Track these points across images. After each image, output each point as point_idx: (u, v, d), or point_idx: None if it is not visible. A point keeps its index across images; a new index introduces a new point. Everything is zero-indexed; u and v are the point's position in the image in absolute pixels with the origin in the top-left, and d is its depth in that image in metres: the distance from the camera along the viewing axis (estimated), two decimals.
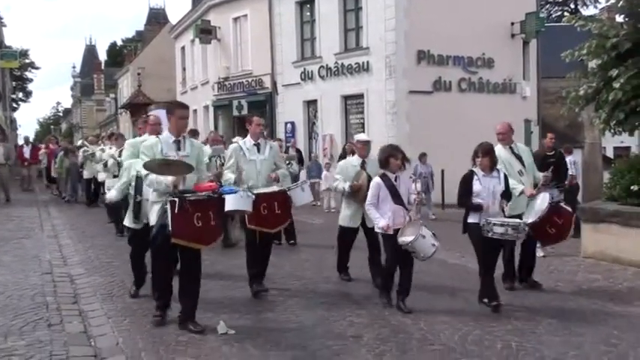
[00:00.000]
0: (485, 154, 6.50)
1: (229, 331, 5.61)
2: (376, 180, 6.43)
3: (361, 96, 19.55)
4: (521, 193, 7.03)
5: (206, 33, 25.57)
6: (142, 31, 50.34)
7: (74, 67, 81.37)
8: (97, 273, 8.34)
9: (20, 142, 30.18)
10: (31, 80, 57.84)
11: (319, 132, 21.05)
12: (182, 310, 5.75)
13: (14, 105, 54.32)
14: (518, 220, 6.48)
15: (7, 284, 7.55)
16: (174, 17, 66.64)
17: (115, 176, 12.74)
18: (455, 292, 7.24)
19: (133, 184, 6.52)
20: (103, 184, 16.31)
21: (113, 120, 53.49)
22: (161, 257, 5.76)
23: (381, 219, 6.31)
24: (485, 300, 6.44)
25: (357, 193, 7.36)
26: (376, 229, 6.54)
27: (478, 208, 6.38)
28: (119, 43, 73.54)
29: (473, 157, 6.62)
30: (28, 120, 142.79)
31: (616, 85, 9.81)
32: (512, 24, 20.47)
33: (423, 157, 15.56)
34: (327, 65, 20.47)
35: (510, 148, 7.45)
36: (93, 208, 16.39)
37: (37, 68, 57.77)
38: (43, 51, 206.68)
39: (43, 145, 23.76)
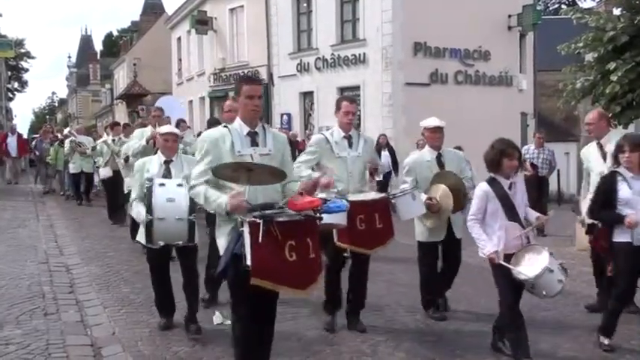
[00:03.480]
0: (636, 147, 4.94)
1: (225, 321, 5.62)
2: (483, 188, 4.70)
3: (357, 88, 19.51)
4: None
5: (202, 24, 25.47)
6: (138, 21, 50.03)
7: (70, 57, 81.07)
8: (93, 263, 8.35)
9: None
10: (26, 70, 57.60)
11: (315, 124, 21.01)
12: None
13: (10, 95, 54.09)
14: None
15: (3, 274, 7.56)
16: (170, 7, 66.45)
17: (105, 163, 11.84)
18: (452, 286, 7.25)
19: (142, 194, 5.20)
20: (92, 179, 15.39)
21: (109, 111, 53.27)
22: (241, 309, 3.91)
23: (488, 243, 4.59)
24: (606, 343, 5.07)
25: (434, 213, 5.69)
26: (480, 253, 4.75)
27: (620, 220, 4.86)
28: (115, 33, 73.24)
29: (615, 152, 5.12)
30: (23, 110, 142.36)
31: (613, 78, 9.85)
32: (509, 16, 20.43)
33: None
34: (323, 57, 20.41)
35: (599, 144, 6.02)
36: (86, 206, 15.10)
37: (32, 58, 57.49)
38: (39, 41, 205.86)
39: (37, 136, 22.84)
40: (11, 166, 20.51)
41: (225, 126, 4.09)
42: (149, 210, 4.89)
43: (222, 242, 3.97)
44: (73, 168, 15.06)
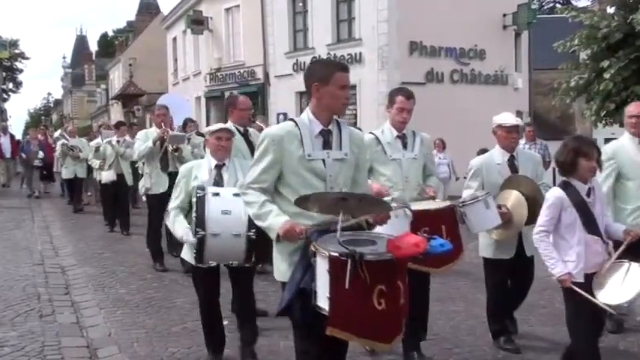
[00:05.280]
0: None
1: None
2: (556, 194, 3.92)
3: (353, 87, 19.48)
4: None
5: (198, 23, 25.45)
6: (134, 21, 49.98)
7: (65, 58, 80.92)
8: (89, 264, 8.33)
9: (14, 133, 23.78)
10: (21, 71, 57.38)
11: None
12: None
13: (4, 96, 53.90)
14: None
15: None
16: (165, 7, 66.38)
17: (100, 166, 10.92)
18: (447, 282, 7.26)
19: (194, 200, 4.31)
20: (82, 184, 13.91)
21: (104, 111, 53.19)
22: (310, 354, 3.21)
23: (559, 262, 3.84)
24: None
25: (504, 224, 4.76)
26: (554, 275, 3.89)
27: None
28: (110, 33, 73.15)
29: None
30: (18, 111, 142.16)
31: (606, 76, 9.90)
32: (504, 15, 20.47)
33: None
34: (319, 56, 20.33)
35: None
36: (79, 213, 13.73)
37: (27, 58, 57.26)
38: (34, 41, 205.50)
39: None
40: (3, 168, 19.32)
41: (292, 120, 3.31)
42: (201, 224, 4.09)
43: (281, 265, 3.26)
44: (65, 173, 13.90)
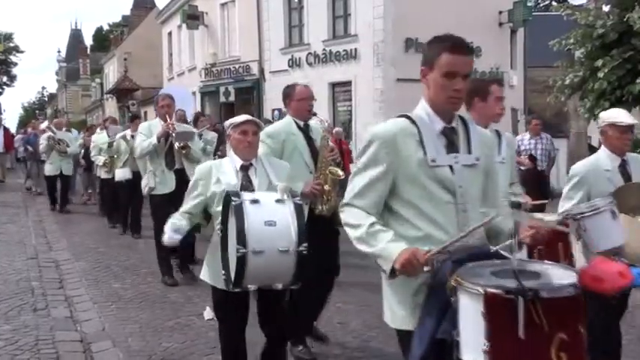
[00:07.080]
0: None
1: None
2: None
3: (349, 83, 19.53)
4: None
5: (193, 18, 25.40)
6: (129, 15, 49.83)
7: (59, 52, 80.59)
8: (83, 258, 8.32)
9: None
10: (15, 64, 57.08)
11: None
12: None
13: None
14: None
15: None
16: (161, 2, 66.07)
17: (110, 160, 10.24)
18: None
19: (218, 210, 3.54)
20: (68, 182, 13.16)
21: (99, 105, 53.07)
22: None
23: None
24: None
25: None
26: None
27: None
28: (105, 27, 72.91)
29: None
30: (13, 104, 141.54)
31: (601, 74, 9.92)
32: (500, 12, 20.51)
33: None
34: (315, 52, 20.39)
35: None
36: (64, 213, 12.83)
37: (21, 52, 56.99)
38: (29, 35, 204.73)
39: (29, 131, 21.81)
40: None
41: (404, 115, 2.54)
42: (241, 240, 3.18)
43: (400, 309, 2.52)
44: (49, 170, 12.80)
